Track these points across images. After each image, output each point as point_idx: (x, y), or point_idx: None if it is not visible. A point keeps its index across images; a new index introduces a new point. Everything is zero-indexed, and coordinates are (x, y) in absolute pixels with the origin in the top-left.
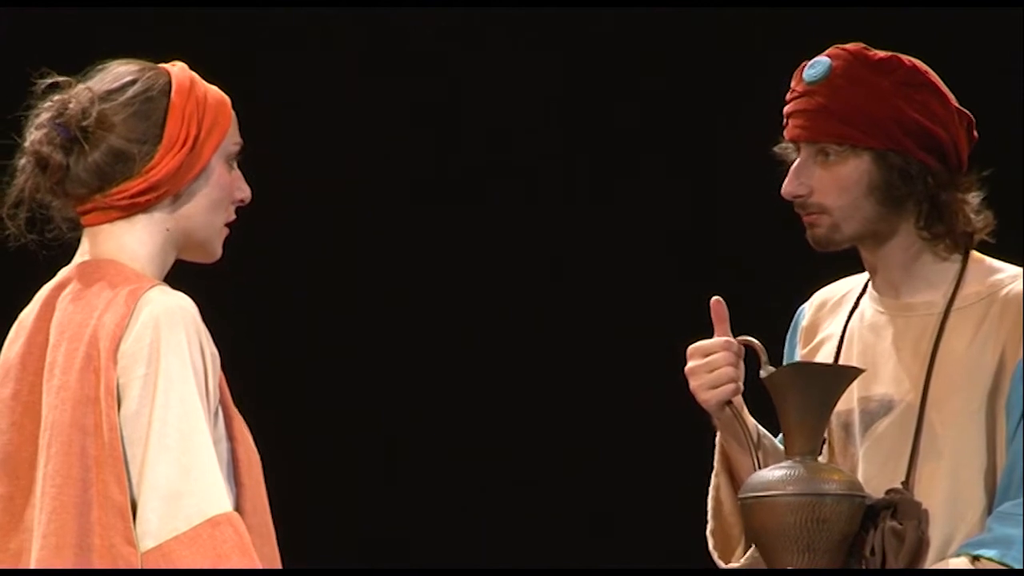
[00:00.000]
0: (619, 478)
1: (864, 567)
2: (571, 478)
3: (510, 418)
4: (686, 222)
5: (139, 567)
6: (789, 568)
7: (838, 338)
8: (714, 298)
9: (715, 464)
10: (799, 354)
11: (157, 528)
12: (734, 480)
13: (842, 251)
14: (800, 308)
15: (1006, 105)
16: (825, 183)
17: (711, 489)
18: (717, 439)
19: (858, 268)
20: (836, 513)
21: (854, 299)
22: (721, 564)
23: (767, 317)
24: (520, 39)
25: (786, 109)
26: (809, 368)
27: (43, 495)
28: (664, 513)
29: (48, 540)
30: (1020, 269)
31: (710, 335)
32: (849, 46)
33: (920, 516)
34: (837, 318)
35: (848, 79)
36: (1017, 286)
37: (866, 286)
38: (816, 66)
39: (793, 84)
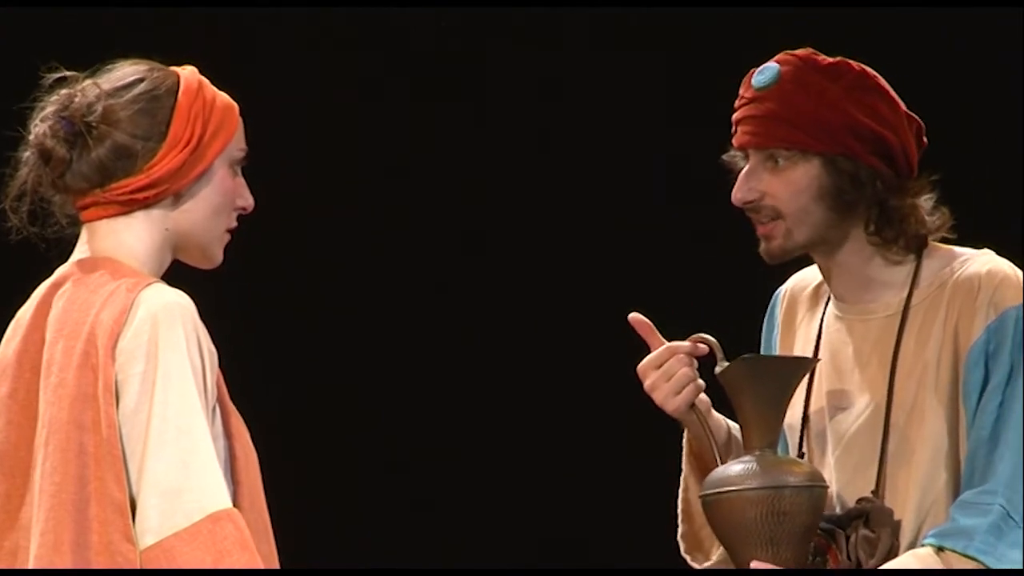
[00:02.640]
0: (622, 478)
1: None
2: (572, 478)
3: (511, 417)
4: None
5: (138, 564)
6: (755, 562)
7: (813, 344)
8: (631, 315)
9: (683, 466)
10: (778, 341)
11: (157, 524)
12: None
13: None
14: (776, 292)
15: (1002, 102)
16: (775, 188)
17: (680, 492)
18: (683, 442)
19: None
20: (796, 505)
21: (826, 298)
22: (695, 566)
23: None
24: (521, 40)
25: (735, 116)
26: (761, 361)
27: (41, 492)
28: (665, 513)
29: (46, 538)
30: (977, 252)
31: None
32: (798, 52)
33: (892, 524)
34: (811, 317)
35: (797, 84)
36: (966, 270)
37: (829, 298)
38: (765, 72)
39: (742, 91)
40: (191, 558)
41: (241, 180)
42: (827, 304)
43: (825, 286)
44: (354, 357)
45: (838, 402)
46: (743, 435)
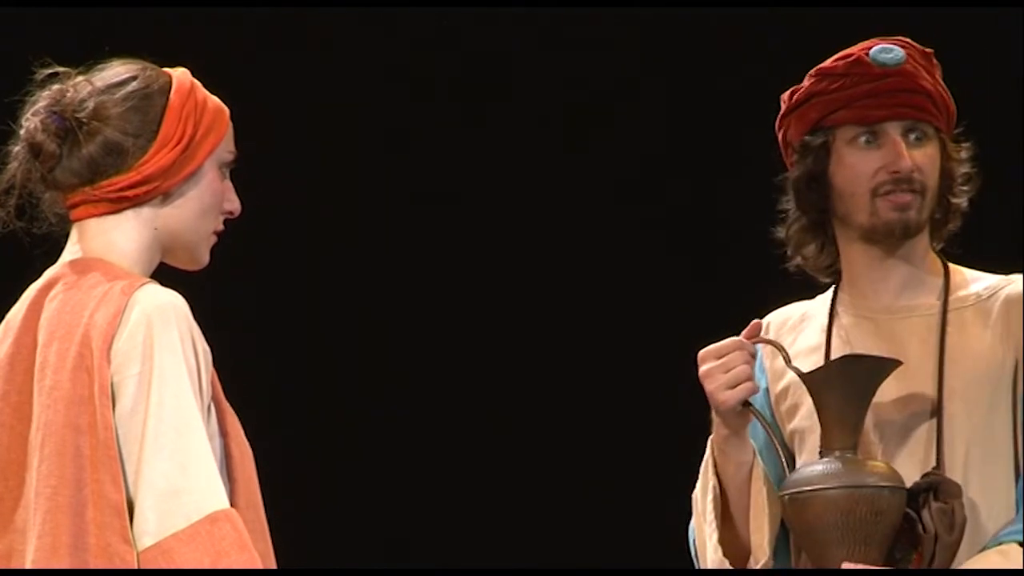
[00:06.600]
0: (625, 479)
1: (901, 555)
2: (573, 477)
3: (512, 416)
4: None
5: (136, 566)
6: (846, 563)
7: (823, 349)
8: (756, 320)
9: (709, 472)
10: (767, 382)
11: (156, 526)
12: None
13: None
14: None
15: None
16: (921, 162)
17: (709, 500)
18: (708, 447)
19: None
20: (892, 505)
21: (823, 314)
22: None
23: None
24: (524, 39)
25: (857, 91)
26: (850, 363)
27: (37, 496)
28: (665, 513)
29: (43, 541)
30: (1002, 277)
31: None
32: (897, 38)
33: (960, 495)
34: (805, 335)
35: (917, 66)
36: (1017, 286)
37: (833, 302)
38: (892, 51)
39: (856, 69)
40: (189, 559)
41: (229, 184)
42: (830, 319)
43: (813, 312)
44: (351, 353)
45: (883, 393)
46: (824, 435)
